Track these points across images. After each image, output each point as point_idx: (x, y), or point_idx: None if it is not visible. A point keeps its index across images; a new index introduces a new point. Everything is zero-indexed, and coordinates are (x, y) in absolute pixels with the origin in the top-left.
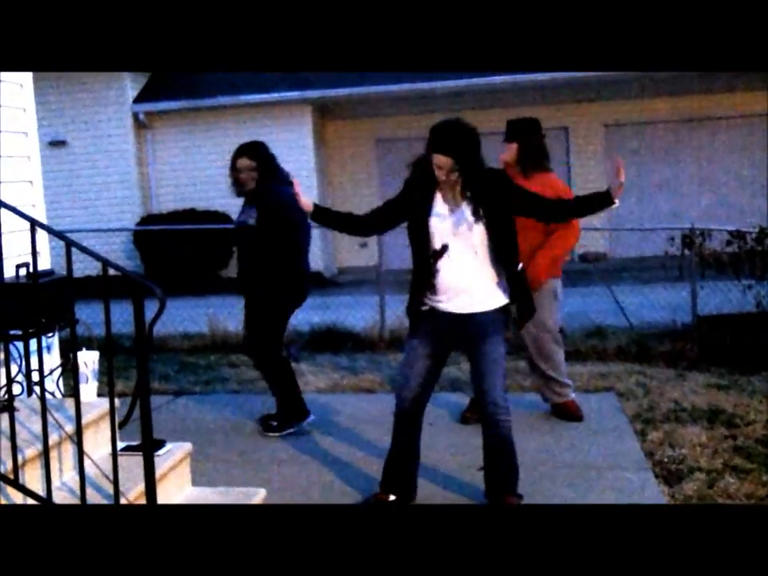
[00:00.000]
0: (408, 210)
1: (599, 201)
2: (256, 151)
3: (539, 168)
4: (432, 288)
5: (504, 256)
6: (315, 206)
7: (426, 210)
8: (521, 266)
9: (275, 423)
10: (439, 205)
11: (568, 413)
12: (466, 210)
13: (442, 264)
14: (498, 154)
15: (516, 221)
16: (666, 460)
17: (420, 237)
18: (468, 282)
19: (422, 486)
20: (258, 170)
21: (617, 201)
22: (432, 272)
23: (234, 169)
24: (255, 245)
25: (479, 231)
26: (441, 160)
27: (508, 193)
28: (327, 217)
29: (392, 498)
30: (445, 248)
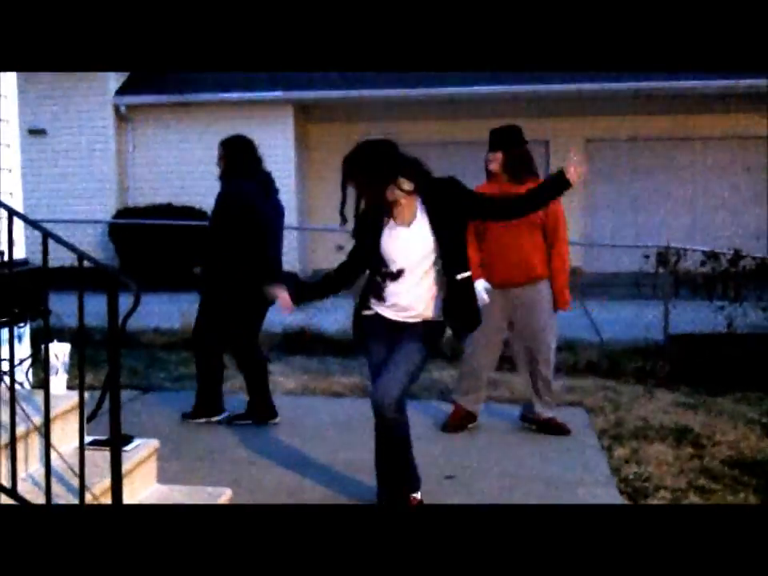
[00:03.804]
0: (366, 242)
1: (555, 185)
2: (229, 143)
3: (529, 174)
4: (380, 299)
5: (453, 266)
6: (296, 293)
7: (379, 234)
8: (468, 274)
9: (246, 415)
10: (391, 228)
11: (557, 427)
12: (419, 228)
13: (395, 284)
14: (484, 162)
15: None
16: (631, 477)
17: (375, 259)
18: (415, 300)
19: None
20: (224, 162)
21: (572, 182)
22: (383, 288)
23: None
24: (208, 239)
25: (431, 246)
26: (398, 184)
27: (458, 200)
28: (312, 294)
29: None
30: (401, 272)
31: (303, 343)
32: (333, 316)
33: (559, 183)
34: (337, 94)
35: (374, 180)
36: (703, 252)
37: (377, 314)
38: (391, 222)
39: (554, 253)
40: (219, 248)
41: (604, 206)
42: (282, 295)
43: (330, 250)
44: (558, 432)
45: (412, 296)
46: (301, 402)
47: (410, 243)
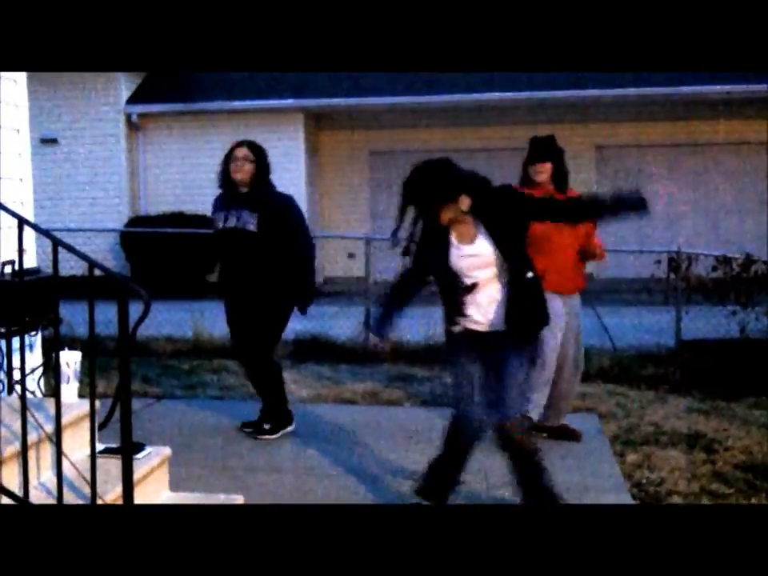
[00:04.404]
0: (434, 260)
1: (632, 203)
2: (257, 148)
3: (568, 185)
4: (462, 314)
5: (520, 269)
6: (380, 334)
7: (446, 252)
8: (530, 274)
9: (269, 426)
10: (456, 246)
11: (570, 433)
12: (482, 243)
13: (472, 296)
14: (523, 170)
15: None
16: (644, 482)
17: (448, 276)
18: (497, 308)
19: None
20: (256, 170)
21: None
22: (462, 302)
23: (230, 159)
24: (257, 252)
25: (496, 258)
26: (459, 203)
27: (516, 207)
28: (391, 324)
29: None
30: (475, 285)
31: (314, 351)
32: (343, 323)
33: (637, 204)
34: (347, 102)
35: (435, 202)
36: (715, 257)
37: (466, 329)
38: (454, 240)
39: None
40: (278, 264)
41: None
42: (374, 338)
43: (341, 257)
44: (570, 438)
45: (493, 305)
46: (312, 409)
47: (477, 259)
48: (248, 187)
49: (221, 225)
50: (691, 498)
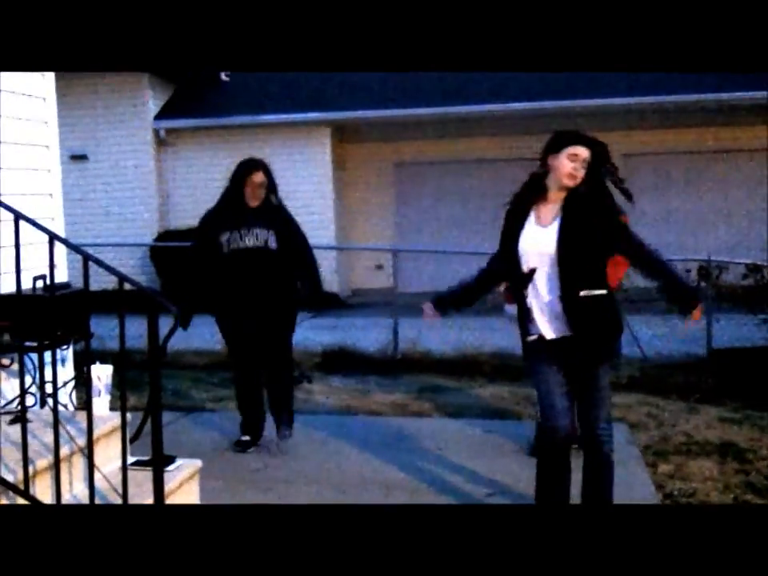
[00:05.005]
0: (508, 243)
1: (683, 296)
2: (268, 169)
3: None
4: (528, 314)
5: (576, 279)
6: (438, 303)
7: (518, 233)
8: (597, 292)
9: (288, 431)
10: (531, 225)
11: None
12: (557, 222)
13: (534, 288)
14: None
15: None
16: (676, 493)
17: (511, 259)
18: (558, 308)
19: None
20: (269, 189)
21: (694, 315)
22: (523, 296)
23: (245, 183)
24: (280, 268)
25: (555, 250)
26: (581, 150)
27: (600, 219)
28: (453, 303)
29: None
30: (532, 272)
31: (342, 362)
32: (371, 334)
33: (686, 299)
34: (374, 114)
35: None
36: (745, 265)
37: (540, 337)
38: (533, 218)
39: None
40: (293, 278)
41: (643, 220)
42: (426, 305)
43: (369, 269)
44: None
45: (554, 303)
46: (341, 420)
47: (542, 240)
48: (254, 208)
49: (238, 245)
50: None
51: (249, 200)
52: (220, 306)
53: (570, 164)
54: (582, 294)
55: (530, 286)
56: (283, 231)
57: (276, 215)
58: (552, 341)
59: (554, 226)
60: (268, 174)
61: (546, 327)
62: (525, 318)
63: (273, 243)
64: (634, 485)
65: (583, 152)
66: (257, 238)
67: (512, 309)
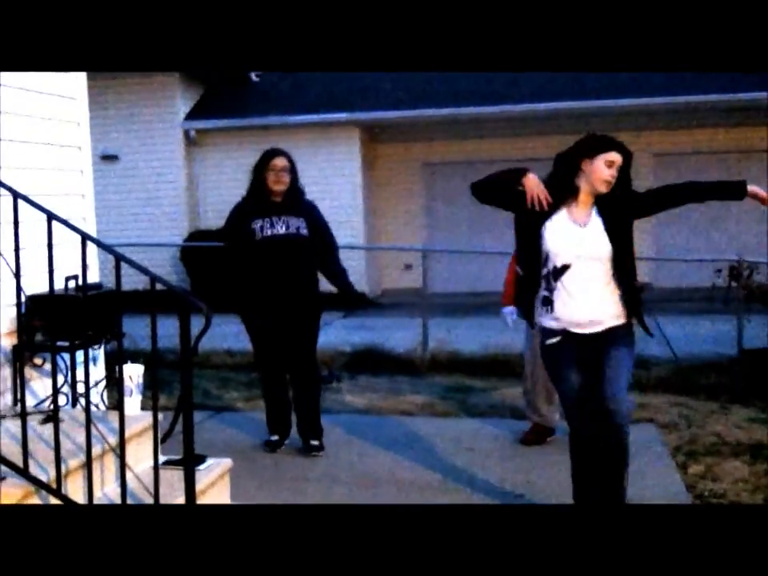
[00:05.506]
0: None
1: (729, 188)
2: (289, 155)
3: None
4: (550, 307)
5: (627, 271)
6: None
7: (539, 228)
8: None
9: (318, 443)
10: (564, 217)
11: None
12: (596, 222)
13: (565, 284)
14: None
15: None
16: (706, 493)
17: (539, 255)
18: (596, 306)
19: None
20: (293, 177)
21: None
22: (551, 290)
23: (267, 169)
24: (311, 256)
25: (606, 247)
26: (616, 157)
27: (634, 200)
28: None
29: None
30: (566, 268)
31: (371, 362)
32: (400, 334)
33: (734, 190)
34: (403, 114)
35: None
36: None
37: (560, 340)
38: (566, 216)
39: None
40: (321, 260)
41: (674, 220)
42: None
43: (398, 269)
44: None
45: (590, 302)
46: (370, 420)
47: (585, 242)
48: (282, 195)
49: (267, 233)
50: None
51: (274, 186)
52: (248, 298)
53: (607, 170)
54: (636, 285)
55: (558, 282)
56: (310, 219)
57: (303, 202)
58: (576, 337)
59: (596, 227)
60: (290, 160)
61: (573, 323)
62: (545, 315)
63: (304, 230)
64: (663, 485)
65: (618, 158)
66: (287, 226)
67: (510, 310)
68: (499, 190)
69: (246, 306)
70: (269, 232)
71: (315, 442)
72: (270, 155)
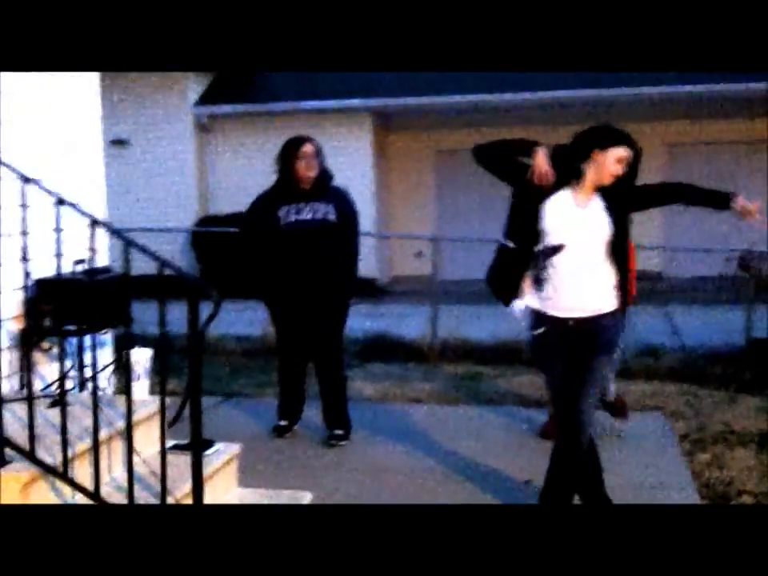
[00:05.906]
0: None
1: (716, 198)
2: (316, 141)
3: None
4: (540, 287)
5: (622, 258)
6: None
7: (537, 205)
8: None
9: (342, 432)
10: (566, 197)
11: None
12: (598, 206)
13: (556, 265)
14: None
15: None
16: (713, 482)
17: (532, 228)
18: (586, 290)
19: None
20: (321, 163)
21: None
22: (541, 269)
23: (297, 156)
24: (338, 242)
25: (606, 229)
26: (627, 153)
27: (634, 193)
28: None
29: None
30: (560, 248)
31: (381, 350)
32: (411, 322)
33: (720, 200)
34: (414, 102)
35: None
36: None
37: (547, 330)
38: (571, 198)
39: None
40: (353, 257)
41: (684, 209)
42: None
43: (409, 256)
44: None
45: (577, 283)
46: (379, 408)
47: (586, 223)
48: (311, 182)
49: (292, 218)
50: (761, 498)
51: (306, 173)
52: (274, 285)
53: (616, 165)
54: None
55: (549, 262)
56: (339, 205)
57: (332, 188)
58: (563, 324)
59: (598, 210)
60: (317, 145)
61: (561, 306)
62: (533, 295)
63: (331, 215)
64: (669, 473)
65: (629, 155)
66: (314, 211)
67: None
68: (503, 157)
69: (271, 293)
70: (294, 218)
71: (339, 431)
72: (298, 142)
